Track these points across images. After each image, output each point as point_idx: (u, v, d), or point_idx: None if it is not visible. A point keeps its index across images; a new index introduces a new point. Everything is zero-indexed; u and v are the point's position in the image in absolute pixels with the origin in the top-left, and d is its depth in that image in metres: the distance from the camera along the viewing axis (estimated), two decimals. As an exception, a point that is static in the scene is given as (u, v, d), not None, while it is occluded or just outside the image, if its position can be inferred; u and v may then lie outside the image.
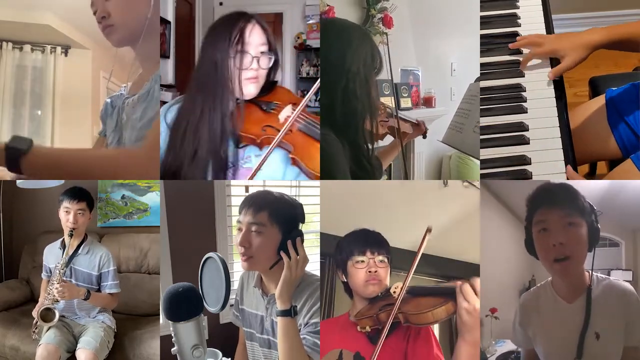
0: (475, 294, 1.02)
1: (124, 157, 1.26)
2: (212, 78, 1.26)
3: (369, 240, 1.31)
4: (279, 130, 1.22)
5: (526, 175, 1.38)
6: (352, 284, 1.30)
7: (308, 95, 1.21)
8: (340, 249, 1.33)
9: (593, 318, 1.17)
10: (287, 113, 1.28)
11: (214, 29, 1.30)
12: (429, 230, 1.16)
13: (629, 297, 1.18)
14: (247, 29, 1.26)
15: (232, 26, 1.26)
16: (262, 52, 1.28)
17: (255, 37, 1.27)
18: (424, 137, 1.67)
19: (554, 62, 1.57)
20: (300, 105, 1.22)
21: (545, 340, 1.27)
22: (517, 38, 1.63)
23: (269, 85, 1.34)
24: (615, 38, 1.51)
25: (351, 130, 1.27)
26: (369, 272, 1.27)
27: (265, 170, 1.26)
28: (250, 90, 1.29)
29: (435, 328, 1.99)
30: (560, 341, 1.23)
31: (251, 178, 1.23)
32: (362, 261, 1.28)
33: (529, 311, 1.31)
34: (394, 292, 1.21)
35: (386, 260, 1.30)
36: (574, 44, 1.52)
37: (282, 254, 1.18)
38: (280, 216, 1.23)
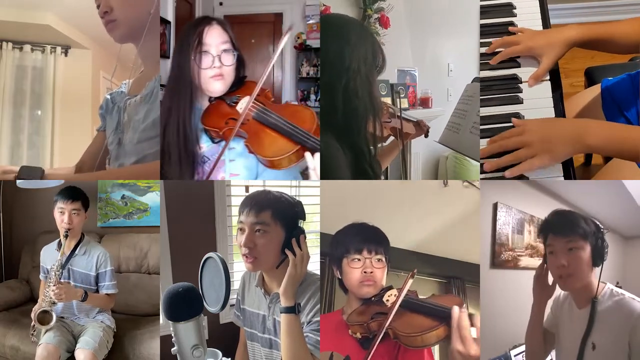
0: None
1: (137, 174, 1.34)
2: (177, 81, 1.34)
3: (366, 237, 1.27)
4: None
5: None
6: (346, 282, 1.28)
7: (261, 80, 1.30)
8: (336, 244, 1.30)
9: (595, 328, 1.25)
10: (243, 103, 1.34)
11: (179, 37, 1.38)
12: (412, 275, 1.15)
13: (636, 320, 1.19)
14: (205, 31, 1.33)
15: (192, 31, 1.34)
16: (223, 50, 1.35)
17: (214, 38, 1.34)
18: (426, 136, 1.67)
19: None
20: (254, 92, 1.29)
21: (560, 331, 1.39)
22: (493, 41, 1.59)
23: (239, 81, 1.40)
24: (591, 36, 1.49)
25: (353, 132, 1.25)
26: (365, 272, 1.24)
27: (239, 160, 1.34)
28: (216, 87, 1.36)
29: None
30: (568, 337, 1.34)
31: (213, 167, 1.30)
32: (358, 260, 1.25)
33: (557, 303, 1.43)
34: (387, 300, 1.18)
35: (384, 259, 1.27)
36: (551, 41, 1.49)
37: (287, 252, 1.19)
38: (282, 215, 1.24)
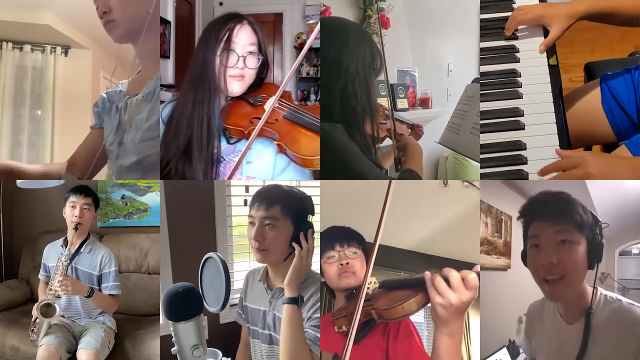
0: (450, 285, 0.92)
1: None
2: (202, 75, 1.32)
3: (337, 235, 1.33)
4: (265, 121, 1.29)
5: (521, 160, 1.38)
6: (327, 280, 1.32)
7: (286, 79, 1.29)
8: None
9: (592, 346, 1.04)
10: (270, 103, 1.32)
11: (207, 29, 1.36)
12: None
13: None
14: (236, 29, 1.32)
15: (222, 26, 1.33)
16: (249, 52, 1.34)
17: (243, 37, 1.33)
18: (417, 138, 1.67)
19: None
20: (279, 90, 1.28)
21: (544, 356, 1.21)
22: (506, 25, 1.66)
23: (258, 83, 1.40)
24: (597, 10, 1.54)
25: (353, 132, 1.26)
26: (341, 264, 1.29)
27: (256, 163, 1.32)
28: (235, 88, 1.35)
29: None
30: None
31: (237, 166, 1.27)
32: (333, 256, 1.31)
33: (533, 322, 1.26)
34: (367, 287, 1.18)
35: (359, 251, 1.31)
36: (560, 13, 1.55)
37: (294, 244, 1.21)
38: (291, 209, 1.26)
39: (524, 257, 1.13)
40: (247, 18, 1.36)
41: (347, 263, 1.29)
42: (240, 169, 1.33)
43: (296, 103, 1.38)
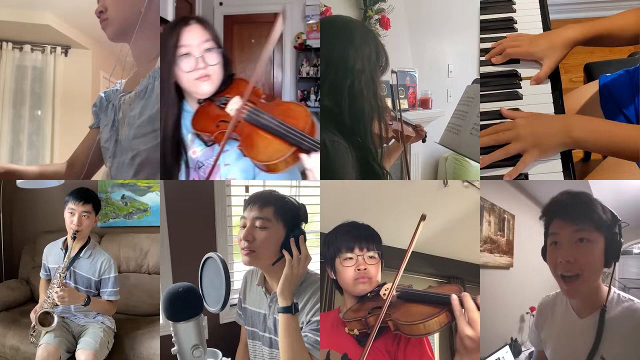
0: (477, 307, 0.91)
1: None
2: (164, 86, 1.31)
3: (357, 235, 1.27)
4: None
5: None
6: (341, 282, 1.27)
7: (253, 77, 1.22)
8: (327, 245, 1.30)
9: (603, 341, 1.08)
10: (233, 105, 1.29)
11: (160, 41, 1.34)
12: (423, 218, 1.09)
13: None
14: (184, 33, 1.29)
15: (170, 34, 1.30)
16: (206, 50, 1.30)
17: (194, 38, 1.29)
18: (424, 141, 1.67)
19: None
20: (245, 94, 1.21)
21: (553, 348, 1.24)
22: (492, 45, 1.60)
23: (227, 79, 1.35)
24: (592, 34, 1.48)
25: (360, 131, 1.24)
26: (358, 269, 1.24)
27: (234, 165, 1.30)
28: (204, 89, 1.31)
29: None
30: (567, 354, 1.19)
31: (209, 175, 1.26)
32: (351, 258, 1.25)
33: (544, 315, 1.28)
34: (384, 294, 1.16)
35: (377, 255, 1.26)
36: (551, 44, 1.49)
37: (284, 252, 1.19)
38: (284, 213, 1.25)
39: (544, 253, 1.16)
40: (194, 17, 1.33)
41: (365, 269, 1.23)
42: (219, 172, 1.31)
43: (263, 96, 1.33)
